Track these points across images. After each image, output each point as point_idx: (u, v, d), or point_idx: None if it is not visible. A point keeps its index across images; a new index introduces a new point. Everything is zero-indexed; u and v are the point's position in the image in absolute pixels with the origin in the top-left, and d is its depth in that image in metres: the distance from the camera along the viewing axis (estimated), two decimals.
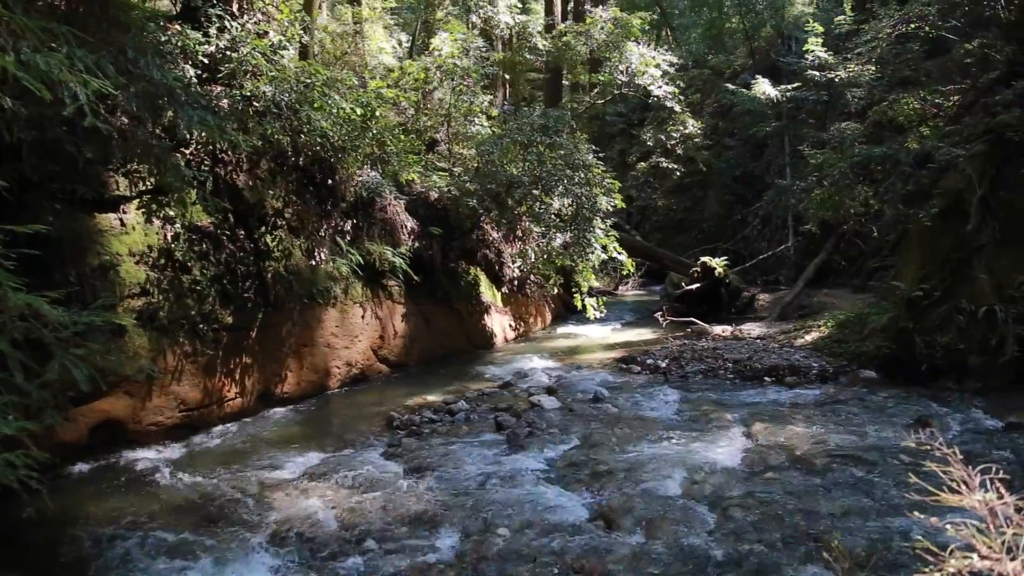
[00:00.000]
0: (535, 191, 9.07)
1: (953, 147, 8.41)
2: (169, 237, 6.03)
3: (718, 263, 12.45)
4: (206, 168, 6.51)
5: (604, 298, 11.78)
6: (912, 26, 12.53)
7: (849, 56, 14.37)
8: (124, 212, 5.78)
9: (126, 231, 5.71)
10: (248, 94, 7.05)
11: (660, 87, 14.31)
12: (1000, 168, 7.84)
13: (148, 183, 5.93)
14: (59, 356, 3.19)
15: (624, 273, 12.31)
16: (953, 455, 1.08)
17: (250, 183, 7.01)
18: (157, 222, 5.94)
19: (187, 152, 6.35)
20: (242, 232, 6.81)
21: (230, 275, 6.55)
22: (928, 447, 1.16)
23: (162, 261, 5.92)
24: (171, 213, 6.00)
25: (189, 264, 6.14)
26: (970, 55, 10.78)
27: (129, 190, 5.85)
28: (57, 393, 3.57)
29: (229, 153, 6.74)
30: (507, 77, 16.31)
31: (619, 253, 10.09)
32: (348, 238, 7.98)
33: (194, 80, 6.55)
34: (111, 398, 5.27)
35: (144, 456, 5.44)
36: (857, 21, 15.69)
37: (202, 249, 6.36)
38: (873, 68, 13.65)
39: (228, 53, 7.12)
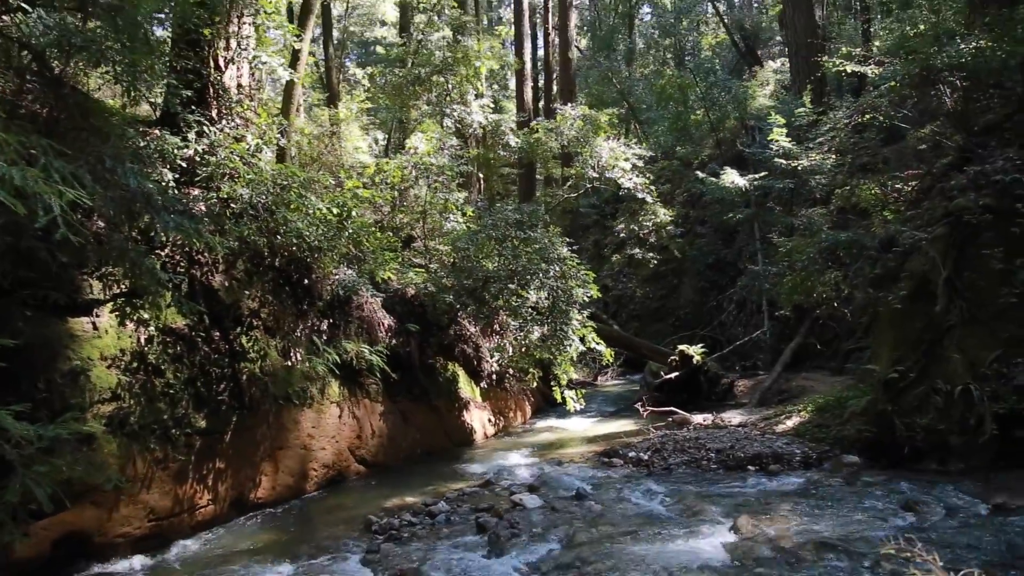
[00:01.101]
0: (511, 285, 9.14)
1: (915, 231, 8.67)
2: (142, 340, 5.96)
3: (696, 351, 12.51)
4: (182, 269, 6.52)
5: (584, 390, 11.73)
6: (867, 116, 13.14)
7: (811, 145, 14.96)
8: (97, 316, 5.73)
9: (98, 335, 5.64)
10: (225, 196, 7.15)
11: (630, 179, 14.71)
12: (961, 249, 8.07)
13: (123, 286, 5.91)
14: (22, 475, 3.09)
15: (603, 364, 12.30)
16: (934, 560, 1.07)
17: (226, 284, 7.01)
18: (131, 325, 5.89)
19: (163, 254, 6.37)
20: (217, 333, 6.76)
21: (204, 377, 6.46)
22: (909, 553, 1.15)
23: (135, 365, 5.84)
24: (145, 316, 5.96)
25: (162, 367, 6.06)
26: (923, 141, 11.27)
27: (103, 293, 5.82)
28: (17, 508, 3.44)
29: (205, 255, 6.76)
30: (481, 174, 16.71)
31: (597, 344, 10.11)
32: (325, 337, 7.94)
33: (172, 183, 6.65)
34: (76, 509, 5.06)
35: (110, 570, 5.20)
36: (816, 112, 16.42)
37: (176, 351, 6.29)
38: (834, 156, 14.19)
39: (206, 157, 7.26)
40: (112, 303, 5.83)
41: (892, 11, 16.04)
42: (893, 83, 11.55)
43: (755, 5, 39.13)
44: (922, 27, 11.68)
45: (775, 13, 29.13)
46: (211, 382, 6.49)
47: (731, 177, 15.47)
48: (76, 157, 4.45)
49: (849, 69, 12.66)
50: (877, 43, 17.11)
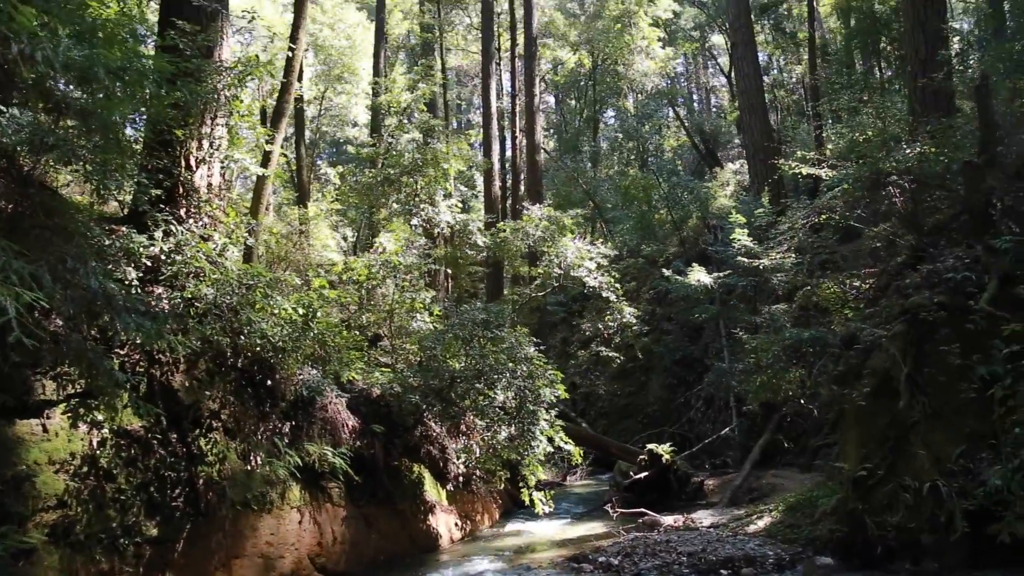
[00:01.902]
0: (478, 385, 9.08)
1: (875, 328, 8.86)
2: (95, 443, 5.75)
3: (665, 450, 12.40)
4: (141, 369, 6.38)
5: (553, 490, 11.49)
6: (823, 216, 13.64)
7: (771, 244, 15.40)
8: (48, 417, 5.53)
9: (48, 438, 5.43)
10: (190, 296, 7.08)
11: (595, 278, 14.93)
12: (920, 346, 8.23)
13: (78, 386, 5.74)
14: None
15: (572, 463, 12.14)
16: None
17: (187, 384, 6.86)
18: (83, 427, 5.68)
19: (122, 353, 6.23)
20: (175, 435, 6.55)
21: (158, 482, 6.21)
22: None
23: (85, 469, 5.60)
24: (99, 417, 5.75)
25: (114, 471, 5.82)
26: (877, 239, 11.70)
27: (56, 394, 5.64)
28: None
29: (166, 354, 6.63)
30: (449, 272, 16.87)
31: (566, 444, 9.98)
32: (287, 439, 7.74)
33: (136, 282, 6.59)
34: None
35: None
36: (775, 212, 16.99)
37: (130, 455, 6.06)
38: (794, 255, 14.60)
39: (172, 255, 7.22)
40: (65, 404, 5.65)
41: (842, 118, 16.93)
42: (846, 185, 12.07)
43: (714, 109, 41.00)
44: (870, 133, 12.33)
45: (733, 118, 30.53)
46: (165, 487, 6.24)
47: (697, 275, 15.77)
48: (37, 257, 4.41)
49: (804, 171, 13.23)
50: (830, 147, 17.96)
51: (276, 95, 9.90)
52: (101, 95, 5.85)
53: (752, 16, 23.19)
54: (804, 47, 25.86)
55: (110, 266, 6.28)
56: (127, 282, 6.44)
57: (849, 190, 11.94)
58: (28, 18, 3.48)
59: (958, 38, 17.67)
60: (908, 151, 10.44)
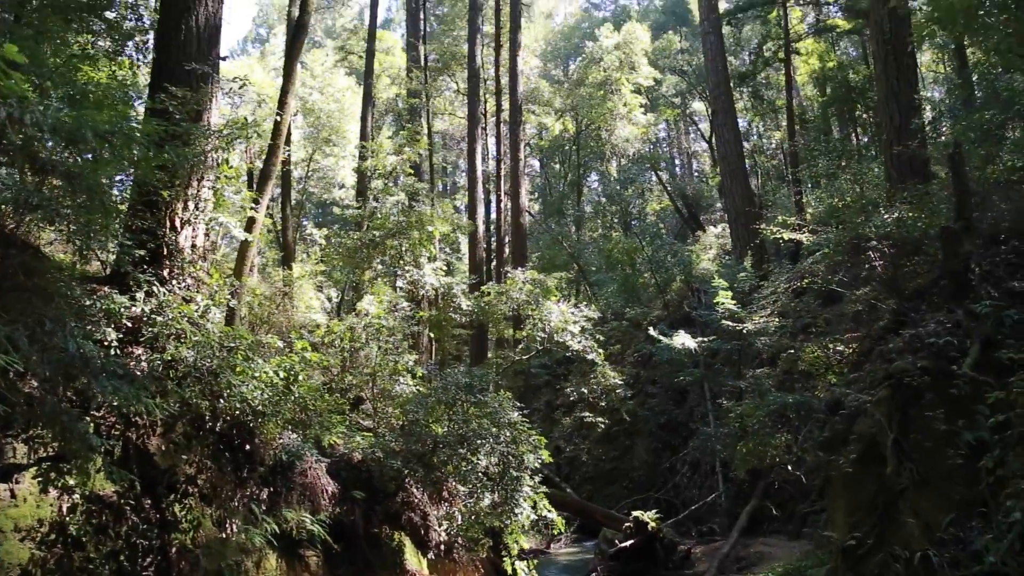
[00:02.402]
0: (461, 450, 8.93)
1: (859, 393, 8.86)
2: (65, 509, 5.55)
3: (650, 517, 12.19)
4: (117, 432, 6.22)
5: (536, 559, 11.22)
6: (805, 281, 13.78)
7: (755, 308, 15.50)
8: (16, 482, 5.35)
9: (15, 503, 5.24)
10: (170, 358, 6.98)
11: (580, 342, 14.93)
12: (905, 411, 8.21)
13: (50, 449, 5.58)
14: None
15: (556, 531, 11.91)
16: None
17: (163, 448, 6.69)
18: (53, 492, 5.50)
19: (98, 415, 6.09)
20: (148, 501, 6.36)
21: (129, 550, 5.99)
22: None
23: (52, 536, 5.39)
24: (71, 482, 5.58)
25: (83, 539, 5.61)
26: (859, 302, 11.81)
27: (28, 457, 5.48)
28: None
29: (143, 417, 6.49)
30: (432, 335, 16.81)
31: (549, 511, 9.79)
32: (264, 506, 7.53)
33: (115, 343, 6.49)
34: None
35: None
36: (757, 276, 17.16)
37: (101, 521, 5.85)
38: (777, 319, 14.69)
39: (153, 317, 7.14)
40: (36, 468, 5.48)
41: (821, 183, 17.30)
42: (827, 250, 12.24)
43: (696, 174, 41.80)
44: (848, 199, 12.58)
45: (715, 183, 31.10)
46: (137, 555, 6.02)
47: (681, 338, 15.80)
48: (16, 319, 4.34)
49: (786, 236, 13.43)
50: (810, 211, 18.29)
51: (264, 156, 9.97)
52: (89, 156, 5.87)
53: (731, 84, 23.83)
54: (783, 114, 26.57)
55: (90, 327, 6.20)
56: (107, 343, 6.35)
57: (830, 254, 12.11)
58: (18, 82, 3.51)
59: (930, 107, 18.24)
60: (886, 216, 10.65)
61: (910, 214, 10.36)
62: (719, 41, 23.04)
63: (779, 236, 13.57)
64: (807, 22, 26.76)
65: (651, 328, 17.67)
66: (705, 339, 15.83)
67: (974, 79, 16.61)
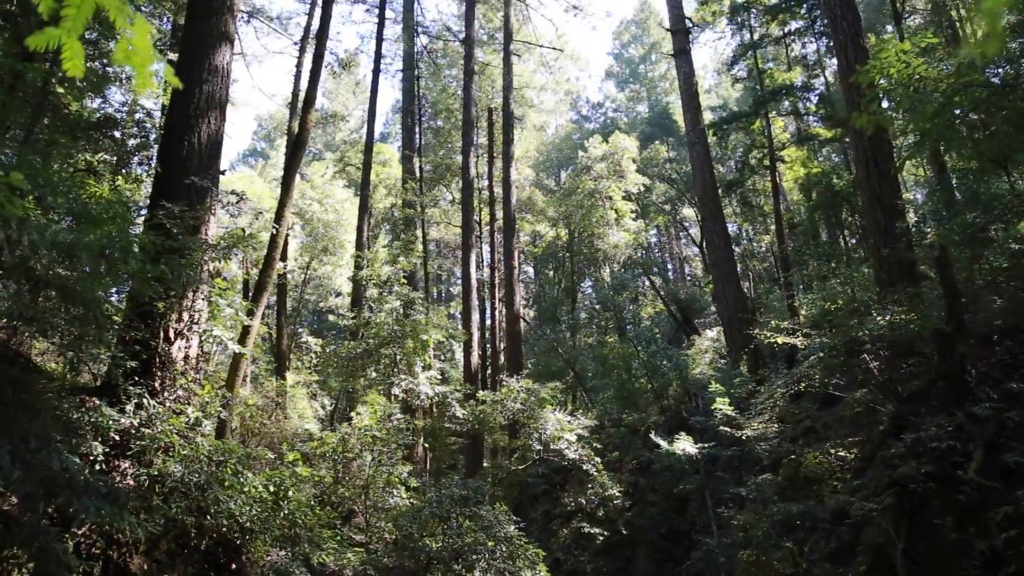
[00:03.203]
0: (456, 566, 8.60)
1: (864, 501, 8.63)
2: None
3: None
4: (98, 551, 6.00)
5: None
6: (802, 385, 13.69)
7: (753, 413, 15.31)
8: None
9: None
10: (156, 472, 6.81)
11: (576, 451, 14.67)
12: (912, 519, 8.00)
13: (26, 570, 5.35)
14: None
15: None
16: None
17: (145, 567, 6.44)
18: None
19: (79, 533, 5.88)
20: None
21: None
22: None
23: None
24: None
25: None
26: (858, 404, 11.69)
27: None
28: None
29: (126, 534, 6.27)
30: (426, 445, 16.52)
31: None
32: None
33: (101, 457, 6.35)
34: None
35: None
36: (754, 380, 17.05)
37: None
38: (776, 424, 14.49)
39: (142, 430, 7.02)
40: None
41: (812, 286, 17.48)
42: (821, 354, 12.22)
43: (688, 278, 42.27)
44: (840, 302, 12.66)
45: (708, 287, 31.41)
46: None
47: (682, 444, 15.53)
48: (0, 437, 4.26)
49: (780, 341, 13.44)
50: (803, 312, 18.38)
51: (260, 266, 10.08)
52: (85, 270, 5.92)
53: (719, 192, 24.45)
54: (771, 219, 27.15)
55: (76, 440, 6.08)
56: (93, 457, 6.22)
57: (825, 358, 12.08)
58: (19, 205, 3.58)
59: (913, 210, 18.69)
60: (879, 319, 10.70)
61: (902, 316, 10.42)
62: (705, 151, 23.79)
63: (773, 341, 13.58)
64: (790, 131, 27.76)
65: (652, 433, 17.41)
66: (705, 446, 15.57)
67: (954, 183, 17.09)
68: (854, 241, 24.86)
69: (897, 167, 12.44)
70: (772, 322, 14.60)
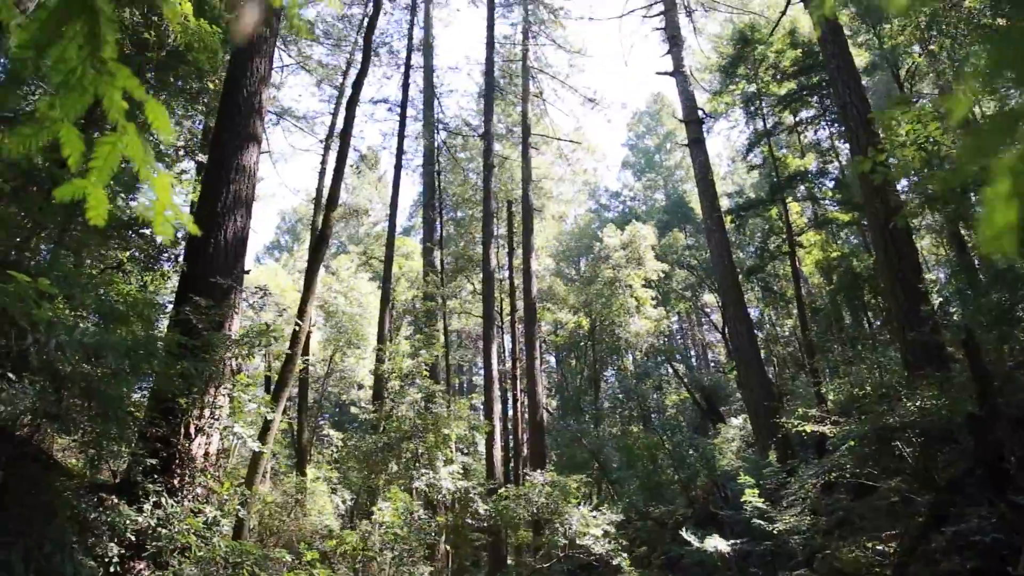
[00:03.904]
0: None
1: None
2: None
3: None
4: None
5: None
6: (834, 474, 13.28)
7: (784, 504, 14.81)
8: None
9: None
10: (172, 575, 6.68)
11: (603, 546, 14.21)
12: None
13: None
14: None
15: None
16: None
17: None
18: None
19: None
20: None
21: None
22: None
23: None
24: None
25: None
26: (893, 493, 11.27)
27: None
28: None
29: None
30: (448, 547, 16.10)
31: None
32: None
33: (116, 559, 6.26)
34: None
35: None
36: (784, 470, 16.57)
37: None
38: (809, 517, 13.98)
39: (159, 530, 6.93)
40: None
41: (839, 370, 17.18)
42: (852, 442, 11.90)
43: (712, 364, 41.79)
44: (868, 388, 12.41)
45: (731, 374, 30.99)
46: None
47: (713, 542, 14.99)
48: (13, 540, 4.21)
49: (809, 429, 13.13)
50: (831, 397, 18.00)
51: (282, 359, 10.13)
52: (109, 369, 5.99)
53: (739, 278, 24.45)
54: (793, 303, 26.98)
55: (92, 541, 6.01)
56: (108, 559, 6.13)
57: (856, 447, 11.76)
58: (46, 312, 3.67)
59: (936, 290, 18.50)
60: (909, 405, 10.45)
61: (932, 402, 10.17)
62: (723, 238, 23.93)
63: (802, 429, 13.28)
64: (807, 215, 27.93)
65: (682, 529, 16.86)
66: (736, 541, 15.02)
67: (976, 262, 16.95)
68: (878, 323, 24.58)
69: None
70: (799, 409, 14.30)
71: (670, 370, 33.55)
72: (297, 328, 9.40)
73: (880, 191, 13.50)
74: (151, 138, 9.02)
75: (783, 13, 22.57)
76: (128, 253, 12.40)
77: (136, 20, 11.41)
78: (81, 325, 4.86)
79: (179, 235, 14.39)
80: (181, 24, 12.07)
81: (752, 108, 25.82)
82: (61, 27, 1.75)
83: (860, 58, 18.58)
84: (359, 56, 17.12)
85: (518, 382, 26.53)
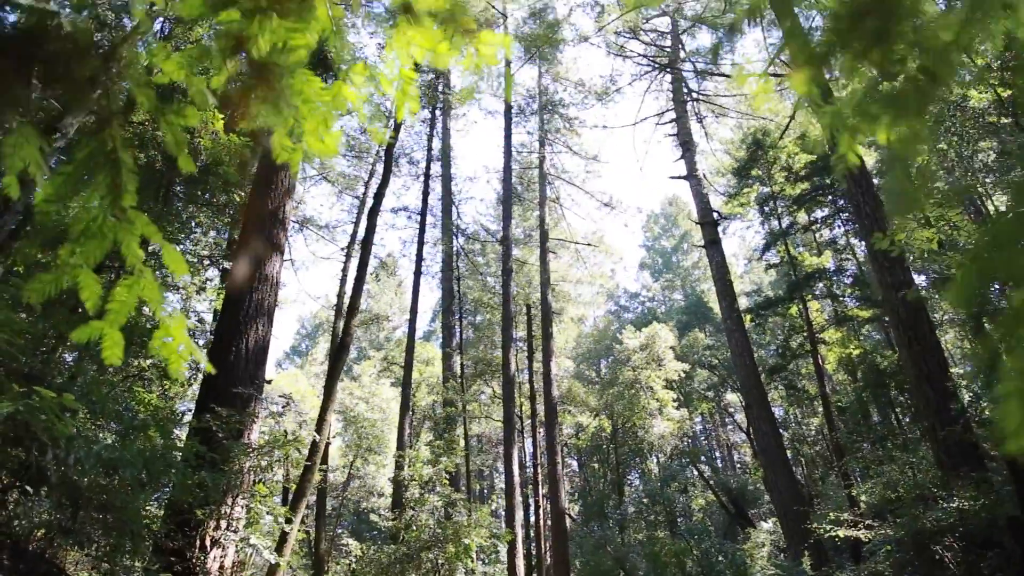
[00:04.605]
0: None
1: None
2: None
3: None
4: None
5: None
6: None
7: None
8: None
9: None
10: None
11: None
12: None
13: None
14: None
15: None
16: None
17: None
18: None
19: None
20: None
21: None
22: None
23: None
24: None
25: None
26: None
27: None
28: None
29: None
30: None
31: None
32: None
33: None
34: None
35: None
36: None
37: None
38: None
39: None
40: None
41: (870, 470, 16.64)
42: (888, 547, 11.44)
43: (738, 466, 40.69)
44: (901, 490, 12.00)
45: (758, 475, 30.15)
46: None
47: None
48: None
49: (841, 534, 12.65)
50: (863, 499, 17.38)
51: (301, 468, 10.03)
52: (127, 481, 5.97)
53: (762, 377, 24.15)
54: (818, 401, 26.49)
55: None
56: None
57: (892, 551, 11.29)
58: (67, 427, 3.72)
59: (965, 382, 18.07)
60: (946, 507, 10.08)
61: (971, 504, 9.82)
62: (743, 338, 23.82)
63: (835, 535, 12.80)
64: (827, 311, 27.80)
65: None
66: None
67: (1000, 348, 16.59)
68: (907, 420, 23.99)
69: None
70: (831, 513, 13.82)
71: (695, 472, 32.72)
72: (316, 440, 9.35)
73: (899, 286, 13.48)
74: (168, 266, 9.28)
75: (792, 118, 23.24)
76: (149, 361, 12.55)
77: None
78: (101, 436, 4.89)
79: (200, 343, 14.58)
80: (211, 139, 12.66)
81: (767, 209, 26.21)
82: (85, 178, 1.85)
83: (870, 157, 18.93)
84: (380, 167, 17.73)
85: (540, 487, 25.95)
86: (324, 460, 15.57)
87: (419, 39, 2.24)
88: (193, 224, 14.09)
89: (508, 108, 30.37)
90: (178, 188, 13.59)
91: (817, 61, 1.96)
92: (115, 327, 1.84)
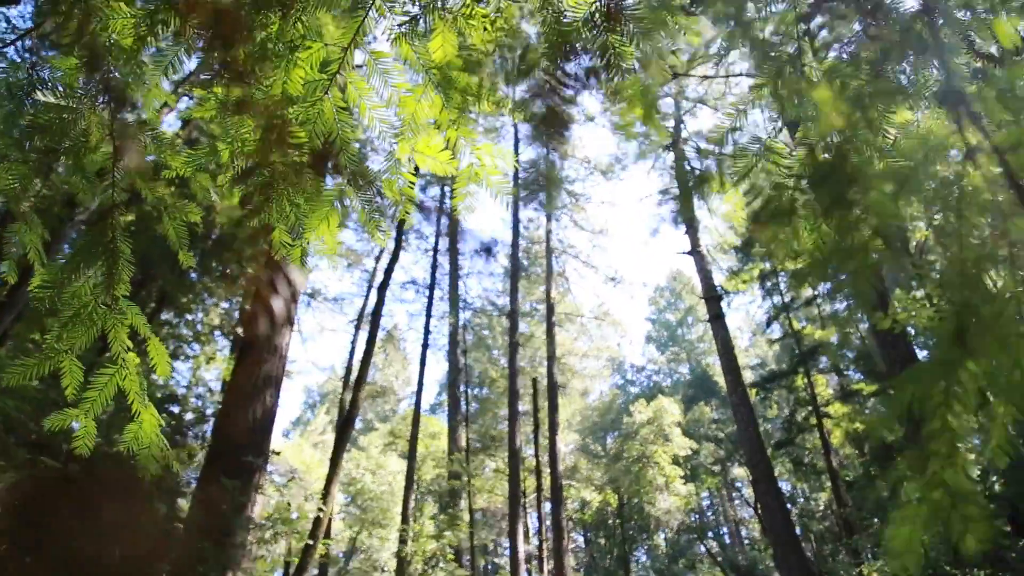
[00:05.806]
0: None
1: None
2: None
3: None
4: None
5: None
6: None
7: None
8: None
9: None
10: None
11: None
12: None
13: None
14: None
15: None
16: None
17: None
18: None
19: None
20: None
21: None
22: None
23: None
24: None
25: None
26: None
27: None
28: None
29: None
30: None
31: None
32: None
33: None
34: None
35: None
36: None
37: None
38: None
39: None
40: None
41: (880, 547, 16.36)
42: None
43: (746, 542, 39.78)
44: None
45: (767, 551, 29.49)
46: None
47: None
48: None
49: None
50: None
51: (303, 540, 10.02)
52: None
53: (769, 452, 23.94)
54: (825, 476, 26.15)
55: None
56: None
57: None
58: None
59: (974, 458, 17.82)
60: None
61: None
62: (749, 412, 23.70)
63: None
64: (832, 385, 27.72)
65: None
66: None
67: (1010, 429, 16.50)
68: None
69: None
70: None
71: (703, 549, 32.06)
72: (320, 515, 9.41)
73: (902, 361, 13.56)
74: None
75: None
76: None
77: None
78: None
79: (207, 412, 14.71)
80: (228, 215, 13.08)
81: (769, 284, 26.46)
82: (81, 267, 1.98)
83: None
84: (390, 244, 18.15)
85: (545, 563, 25.47)
86: (327, 534, 15.48)
87: (422, 147, 2.51)
88: (205, 295, 14.41)
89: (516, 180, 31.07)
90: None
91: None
92: (90, 417, 1.93)
